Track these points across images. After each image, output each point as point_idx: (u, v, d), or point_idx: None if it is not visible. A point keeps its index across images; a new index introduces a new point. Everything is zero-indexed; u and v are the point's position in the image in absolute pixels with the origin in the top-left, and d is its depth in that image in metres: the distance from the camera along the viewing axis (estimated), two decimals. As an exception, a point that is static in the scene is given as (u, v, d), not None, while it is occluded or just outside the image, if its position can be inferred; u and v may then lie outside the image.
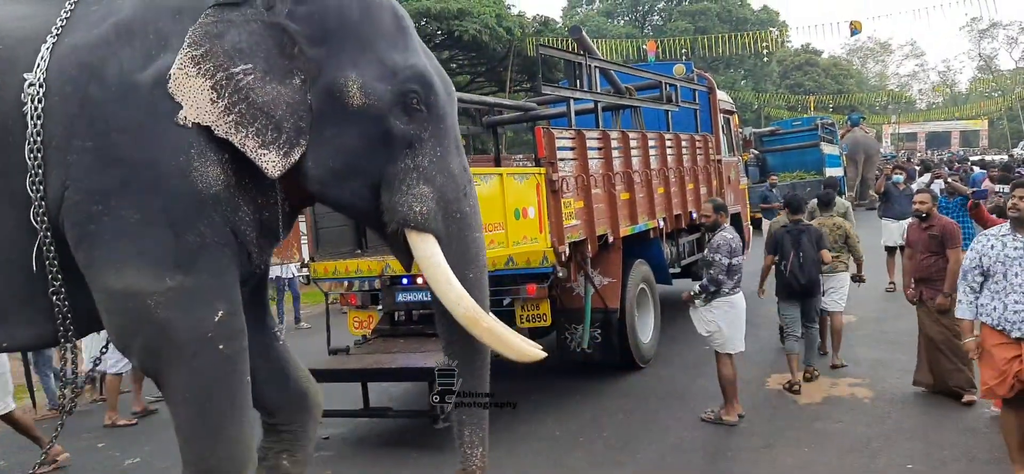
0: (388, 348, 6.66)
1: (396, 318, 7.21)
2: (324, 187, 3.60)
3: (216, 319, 3.38)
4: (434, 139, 3.69)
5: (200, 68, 3.36)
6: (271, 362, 4.14)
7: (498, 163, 10.01)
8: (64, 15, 3.50)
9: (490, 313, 3.76)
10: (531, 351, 3.82)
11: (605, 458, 5.64)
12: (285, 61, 3.50)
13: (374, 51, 3.61)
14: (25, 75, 3.31)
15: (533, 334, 7.33)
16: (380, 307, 7.18)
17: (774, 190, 16.67)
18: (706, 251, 6.31)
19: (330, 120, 3.55)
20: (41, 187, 3.29)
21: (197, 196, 3.36)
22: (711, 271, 6.08)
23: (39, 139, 3.28)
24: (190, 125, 3.32)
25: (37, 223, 3.32)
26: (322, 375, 6.22)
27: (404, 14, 3.79)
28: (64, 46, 3.40)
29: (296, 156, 3.45)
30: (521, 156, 11.41)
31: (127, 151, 3.31)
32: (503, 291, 6.75)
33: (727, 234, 6.14)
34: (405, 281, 6.83)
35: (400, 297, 6.96)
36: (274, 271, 10.96)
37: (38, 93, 3.29)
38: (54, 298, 3.41)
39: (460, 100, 10.78)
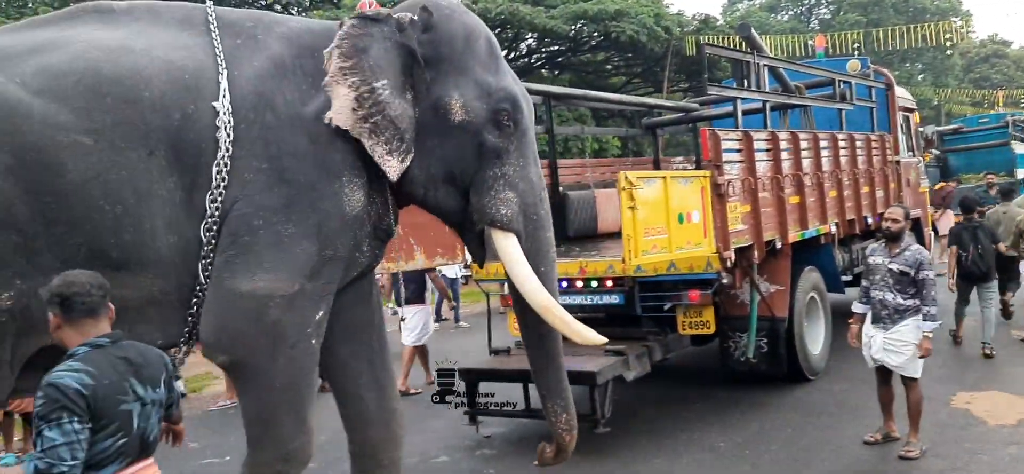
0: (548, 350, 6.66)
1: (556, 321, 7.20)
2: (425, 191, 4.13)
3: (317, 317, 3.84)
4: (518, 151, 4.21)
5: (347, 78, 3.80)
6: (375, 368, 4.43)
7: (657, 165, 9.85)
8: (219, 47, 3.84)
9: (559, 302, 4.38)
10: (593, 337, 4.39)
11: (772, 474, 5.40)
12: (404, 77, 3.98)
13: (472, 74, 4.12)
14: (214, 104, 3.67)
15: (695, 341, 7.21)
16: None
17: (992, 190, 15.19)
18: (900, 266, 5.55)
19: (433, 132, 4.06)
20: (220, 203, 3.64)
21: (343, 217, 3.85)
22: (933, 293, 5.48)
23: (228, 160, 3.65)
24: (333, 125, 3.76)
25: (205, 235, 3.65)
26: (484, 374, 6.37)
27: (495, 40, 4.36)
28: (237, 77, 3.78)
29: (408, 163, 3.94)
30: (680, 159, 11.19)
31: (294, 174, 3.74)
32: (664, 296, 6.62)
33: (921, 246, 5.72)
34: (565, 285, 6.83)
35: (560, 300, 6.96)
36: (448, 272, 11.27)
37: (229, 121, 3.66)
38: (196, 305, 3.74)
39: (619, 102, 10.77)
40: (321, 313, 3.90)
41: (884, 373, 5.71)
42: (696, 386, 7.57)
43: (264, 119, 3.74)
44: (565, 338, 6.78)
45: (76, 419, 2.48)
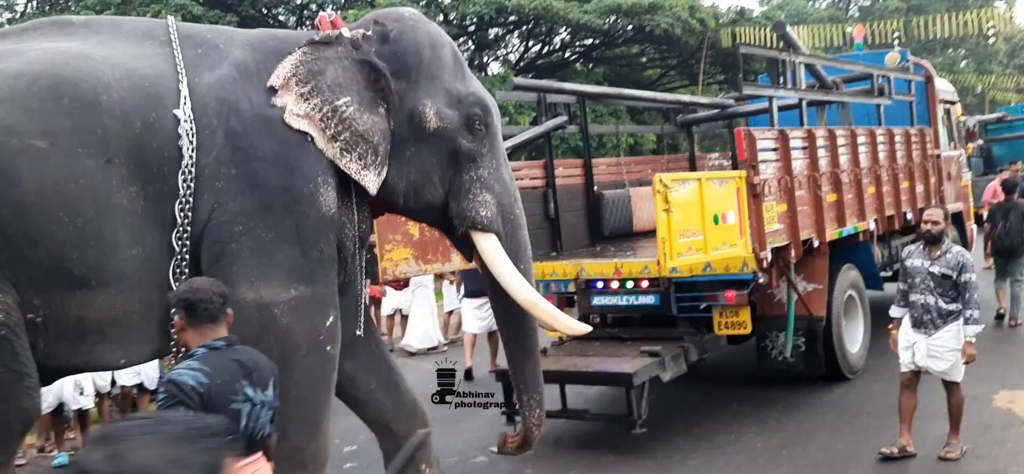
0: (584, 351, 6.71)
1: (591, 321, 7.24)
2: (405, 199, 4.25)
3: (327, 324, 3.93)
4: (491, 153, 4.38)
5: (309, 102, 3.88)
6: (383, 373, 4.58)
7: (693, 162, 9.83)
8: (178, 56, 3.85)
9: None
10: (579, 328, 4.71)
11: (810, 476, 5.38)
12: (372, 93, 4.06)
13: (442, 82, 4.25)
14: (175, 111, 3.66)
15: (732, 341, 7.19)
16: (575, 310, 7.26)
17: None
18: (941, 269, 5.37)
19: (410, 142, 4.18)
20: (189, 212, 3.65)
21: (321, 217, 3.89)
22: (975, 296, 5.33)
23: (193, 168, 3.65)
24: (283, 151, 3.82)
25: (177, 244, 3.65)
26: (521, 376, 6.41)
27: (457, 48, 4.51)
28: (198, 84, 3.78)
29: (384, 175, 4.06)
30: (716, 155, 11.12)
31: (266, 177, 3.78)
32: (700, 296, 6.62)
33: (963, 248, 5.58)
34: (600, 285, 6.86)
35: (595, 301, 7.02)
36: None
37: (191, 127, 3.66)
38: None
39: (654, 100, 10.73)
40: (330, 319, 3.95)
41: (913, 379, 5.54)
42: (733, 386, 7.55)
43: (228, 124, 3.76)
44: (593, 339, 6.92)
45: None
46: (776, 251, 6.36)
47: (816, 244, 6.88)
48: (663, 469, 5.68)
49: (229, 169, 3.72)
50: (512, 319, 4.54)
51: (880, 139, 8.20)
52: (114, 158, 3.47)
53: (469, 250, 4.48)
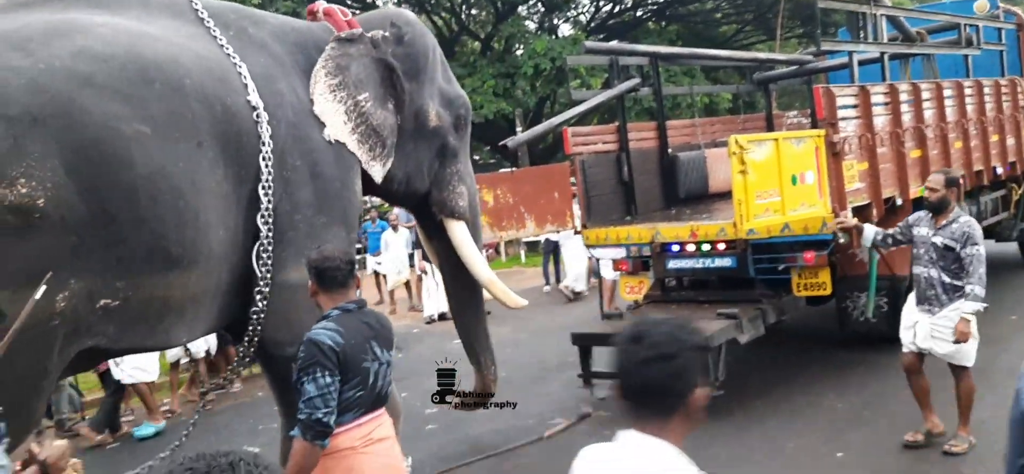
0: (660, 314, 6.72)
1: (667, 284, 7.25)
2: (398, 186, 4.66)
3: None
4: (464, 148, 4.98)
5: (336, 95, 4.19)
6: None
7: (770, 121, 9.65)
8: (220, 38, 3.93)
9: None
10: (520, 301, 5.32)
11: (889, 439, 5.30)
12: (384, 90, 4.41)
13: (437, 84, 4.77)
14: (247, 97, 3.79)
15: (811, 302, 7.10)
16: (651, 273, 7.26)
17: None
18: (944, 240, 4.91)
19: (412, 137, 4.62)
20: (272, 195, 3.82)
21: (358, 203, 4.37)
22: (981, 269, 4.81)
23: (271, 152, 3.83)
24: (333, 142, 4.13)
25: (263, 225, 3.80)
26: (597, 339, 6.49)
27: (440, 50, 4.99)
28: (253, 73, 3.91)
29: (388, 166, 4.45)
30: (795, 112, 10.87)
31: (322, 168, 4.07)
32: (778, 258, 6.55)
33: (971, 219, 5.09)
34: (675, 248, 6.85)
35: (671, 264, 7.00)
36: (551, 237, 11.49)
37: (263, 114, 3.82)
38: (259, 296, 3.83)
39: (729, 58, 10.52)
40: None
41: (916, 361, 5.07)
42: (812, 348, 7.46)
43: (287, 116, 3.97)
44: (668, 301, 6.92)
45: (328, 373, 2.85)
46: (857, 210, 6.23)
47: (899, 202, 6.72)
48: (740, 430, 5.68)
49: (295, 159, 3.96)
50: (465, 293, 5.20)
51: (968, 91, 7.91)
52: (203, 141, 3.56)
53: (433, 230, 5.06)
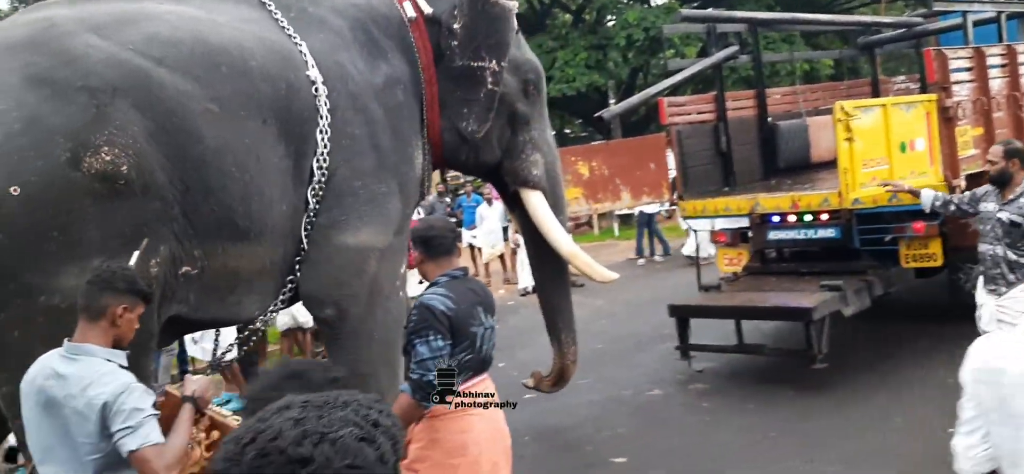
0: (760, 286, 6.62)
1: (767, 256, 7.10)
2: (466, 155, 4.61)
3: (402, 271, 4.26)
4: (540, 115, 4.83)
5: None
6: None
7: (875, 87, 9.28)
8: (281, 19, 4.00)
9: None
10: (609, 275, 5.06)
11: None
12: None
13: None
14: (308, 73, 3.86)
15: (920, 274, 6.84)
16: (750, 245, 7.13)
17: None
18: (1010, 215, 4.62)
19: None
20: (326, 169, 3.87)
21: (416, 175, 4.30)
22: None
23: (329, 127, 3.87)
24: (405, 116, 4.18)
25: (312, 199, 3.85)
26: (695, 311, 6.45)
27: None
28: (313, 49, 3.97)
29: (484, 130, 4.44)
30: (903, 77, 10.43)
31: (381, 139, 4.07)
32: (885, 228, 6.33)
33: None
34: (776, 219, 6.70)
35: (771, 235, 6.86)
36: (646, 208, 11.41)
37: (324, 88, 3.88)
38: (299, 268, 3.89)
39: (832, 23, 10.13)
40: (404, 267, 4.33)
41: None
42: (922, 321, 7.17)
43: (347, 88, 4.00)
44: (768, 273, 6.79)
45: (440, 337, 2.96)
46: (971, 178, 5.96)
47: (1017, 169, 6.37)
48: (845, 404, 5.54)
49: (354, 129, 3.99)
50: (550, 268, 4.99)
51: (1095, 51, 7.41)
52: (267, 119, 3.68)
53: (513, 203, 4.93)
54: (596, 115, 7.09)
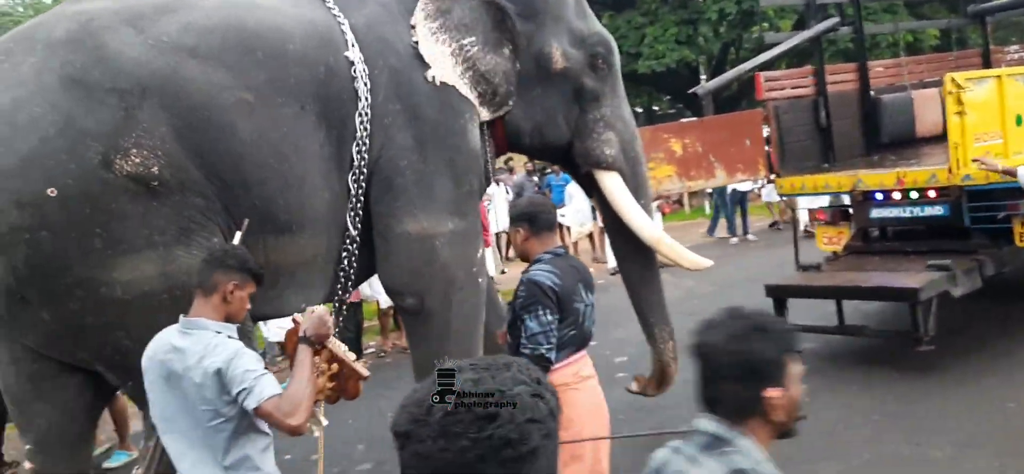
0: (862, 266, 6.42)
1: (869, 234, 6.87)
2: (530, 138, 4.33)
3: (478, 256, 4.06)
4: (612, 91, 4.47)
5: (438, 39, 3.94)
6: (494, 309, 4.59)
7: (986, 58, 8.83)
8: (327, 1, 3.89)
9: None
10: (701, 262, 4.56)
11: None
12: (498, 34, 4.10)
13: (566, 22, 4.32)
14: (346, 54, 3.74)
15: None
16: (851, 223, 6.92)
17: None
18: None
19: (535, 82, 4.24)
20: (365, 153, 3.75)
21: (470, 151, 4.01)
22: None
23: (369, 109, 3.75)
24: (438, 83, 3.89)
25: (353, 185, 3.74)
26: (794, 291, 6.32)
27: None
28: (357, 26, 3.85)
29: (502, 113, 4.12)
30: (1015, 46, 9.91)
31: (424, 111, 3.89)
32: (998, 205, 6.04)
33: None
34: (879, 196, 6.48)
35: (874, 213, 6.63)
36: (739, 186, 11.17)
37: (364, 68, 3.76)
38: (347, 259, 3.81)
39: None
40: (480, 251, 4.14)
41: None
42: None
43: (389, 63, 3.87)
44: (870, 253, 6.57)
45: (548, 311, 3.02)
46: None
47: None
48: (953, 388, 5.34)
49: (394, 104, 3.83)
50: (635, 255, 4.56)
51: None
52: (305, 105, 3.59)
53: (590, 187, 4.57)
54: (690, 91, 6.99)
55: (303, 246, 3.58)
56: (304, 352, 2.63)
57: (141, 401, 3.40)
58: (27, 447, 3.55)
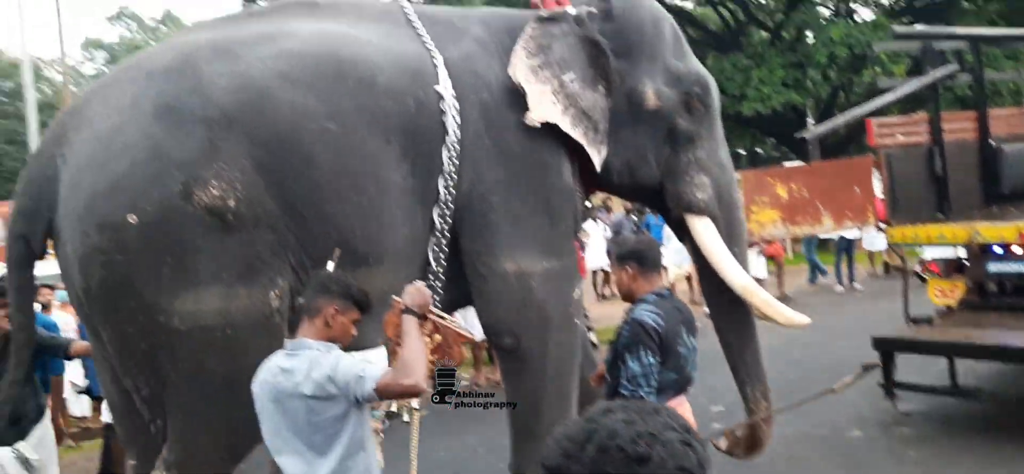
0: (978, 322, 6.07)
1: (986, 289, 6.50)
2: (619, 177, 4.18)
3: (575, 297, 3.96)
4: (709, 134, 4.29)
5: (539, 75, 3.85)
6: (585, 349, 4.44)
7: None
8: (423, 33, 3.90)
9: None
10: (797, 319, 4.24)
11: None
12: (593, 70, 4.02)
13: (662, 60, 4.18)
14: (437, 87, 3.72)
15: None
16: (966, 276, 6.56)
17: None
18: None
19: (628, 121, 4.11)
20: (452, 188, 3.70)
21: (565, 189, 3.97)
22: None
23: (457, 144, 3.70)
24: (531, 128, 3.78)
25: (438, 220, 3.69)
26: (903, 345, 6.04)
27: (675, 24, 4.37)
28: (450, 60, 3.82)
29: (605, 153, 4.02)
30: None
31: (516, 147, 3.82)
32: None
33: None
34: (999, 250, 6.13)
35: (992, 267, 6.27)
36: (847, 234, 10.81)
37: (454, 103, 3.72)
38: (431, 286, 3.69)
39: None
40: (577, 292, 4.05)
41: None
42: None
43: (482, 98, 3.82)
44: (987, 308, 6.20)
45: (650, 353, 3.01)
46: None
47: None
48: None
49: (485, 140, 3.80)
50: (727, 305, 4.25)
51: None
52: (391, 137, 3.56)
53: (682, 232, 4.35)
54: (798, 135, 6.80)
55: (380, 280, 3.47)
56: (409, 322, 2.72)
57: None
58: (130, 462, 3.68)
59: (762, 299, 4.21)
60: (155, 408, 3.36)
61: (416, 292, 2.79)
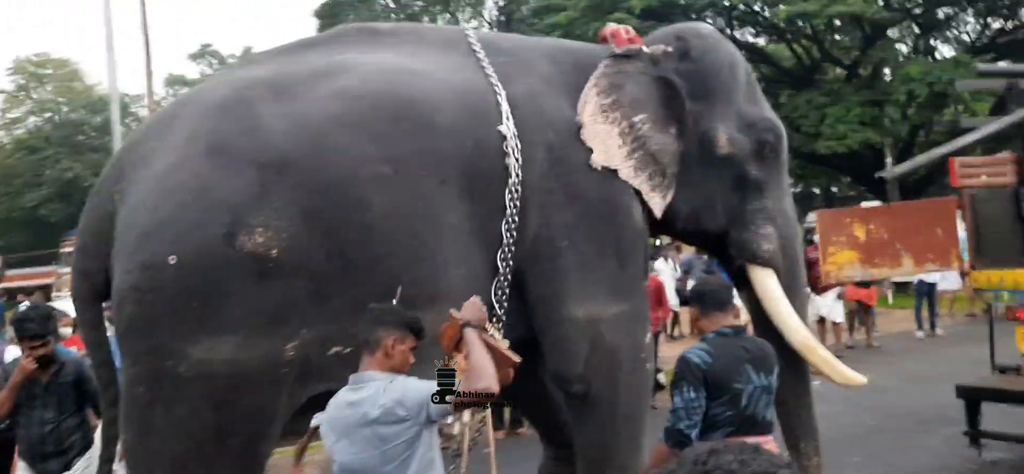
0: (1069, 372, 5.83)
1: (1078, 337, 6.24)
2: (685, 223, 4.08)
3: (647, 340, 3.89)
4: (776, 183, 4.19)
5: (608, 116, 3.78)
6: None
7: None
8: (487, 67, 3.76)
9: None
10: (854, 378, 4.12)
11: None
12: (665, 111, 3.93)
13: (736, 105, 4.09)
14: (500, 128, 3.58)
15: None
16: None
17: None
18: None
19: (697, 165, 4.01)
20: (515, 231, 3.57)
21: (636, 231, 3.85)
22: None
23: (519, 186, 3.56)
24: (600, 168, 3.71)
25: (501, 264, 3.57)
26: (989, 394, 5.84)
27: (750, 69, 4.33)
28: (514, 97, 3.68)
29: (669, 198, 3.94)
30: None
31: (585, 189, 3.73)
32: None
33: None
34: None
35: (1084, 315, 6.03)
36: (928, 278, 10.52)
37: (517, 144, 3.58)
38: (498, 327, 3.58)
39: None
40: (648, 335, 3.96)
41: None
42: None
43: (547, 137, 3.69)
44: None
45: (692, 388, 3.07)
46: None
47: None
48: None
49: (551, 182, 3.68)
50: (785, 360, 3.94)
51: None
52: (448, 179, 3.46)
53: (741, 281, 4.19)
54: (877, 175, 6.68)
55: (431, 322, 3.19)
56: (471, 333, 2.77)
57: None
58: None
59: (821, 356, 4.12)
60: (136, 462, 3.24)
61: (473, 307, 2.85)
